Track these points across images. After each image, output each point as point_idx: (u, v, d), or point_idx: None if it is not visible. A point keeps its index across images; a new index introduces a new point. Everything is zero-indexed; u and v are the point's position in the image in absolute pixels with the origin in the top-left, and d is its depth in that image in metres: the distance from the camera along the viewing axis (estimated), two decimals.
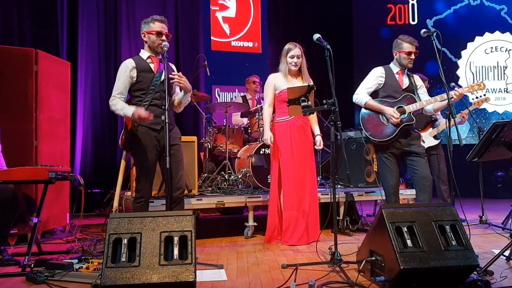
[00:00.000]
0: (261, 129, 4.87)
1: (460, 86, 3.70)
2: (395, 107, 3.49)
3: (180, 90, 3.24)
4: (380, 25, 8.58)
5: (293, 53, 3.73)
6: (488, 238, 3.90)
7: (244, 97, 5.98)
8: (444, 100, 3.40)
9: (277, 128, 3.80)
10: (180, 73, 3.11)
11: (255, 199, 4.12)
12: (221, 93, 7.65)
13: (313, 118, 3.90)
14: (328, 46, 3.02)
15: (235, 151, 5.08)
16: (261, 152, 4.68)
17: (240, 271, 2.87)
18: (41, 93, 4.17)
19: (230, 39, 7.91)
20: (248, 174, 4.61)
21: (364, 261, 2.52)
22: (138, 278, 2.11)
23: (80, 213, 3.62)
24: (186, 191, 3.84)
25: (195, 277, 2.15)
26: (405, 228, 2.34)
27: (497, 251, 2.95)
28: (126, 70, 3.09)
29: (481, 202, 4.76)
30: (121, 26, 7.00)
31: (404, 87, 3.57)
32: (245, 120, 5.78)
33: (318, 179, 5.08)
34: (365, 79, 3.67)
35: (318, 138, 3.83)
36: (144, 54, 3.20)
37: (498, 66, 8.48)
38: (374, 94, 3.62)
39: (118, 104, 3.05)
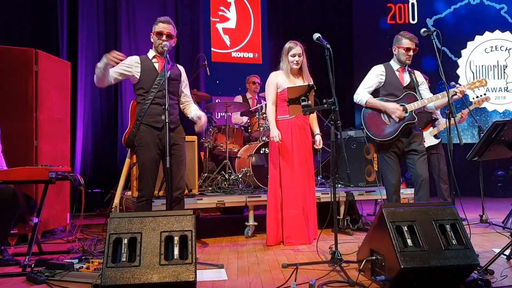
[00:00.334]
0: (261, 128, 4.86)
1: (460, 85, 3.69)
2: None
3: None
4: (380, 24, 8.58)
5: (294, 51, 3.71)
6: (489, 237, 3.90)
7: (244, 97, 5.98)
8: (446, 97, 3.38)
9: (279, 126, 3.78)
10: (203, 121, 3.22)
11: (256, 198, 4.12)
12: (221, 114, 7.65)
13: (313, 117, 3.90)
14: (328, 46, 3.02)
15: (235, 150, 5.08)
16: (261, 152, 4.67)
17: (241, 270, 2.87)
18: (41, 93, 4.18)
19: (230, 50, 7.94)
20: (248, 174, 4.61)
21: (365, 260, 2.52)
22: (139, 278, 2.11)
23: (80, 213, 3.62)
24: (186, 191, 3.85)
25: (196, 276, 2.15)
26: (405, 227, 2.34)
27: (497, 250, 2.96)
28: (131, 62, 3.18)
29: (481, 201, 4.76)
30: (121, 26, 6.99)
31: (405, 85, 3.55)
32: (244, 119, 5.78)
33: (319, 178, 5.08)
34: (365, 78, 3.66)
35: (318, 138, 3.82)
36: (151, 53, 3.26)
37: (498, 65, 8.48)
38: (375, 93, 3.60)
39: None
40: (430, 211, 2.43)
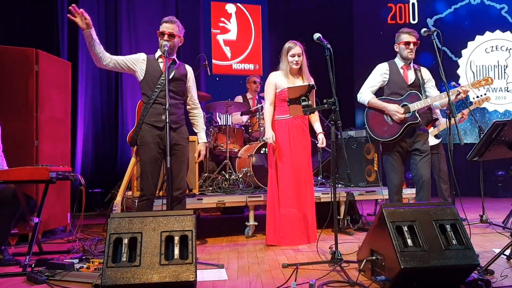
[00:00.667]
0: (262, 128, 4.86)
1: (460, 85, 3.68)
2: (400, 105, 3.46)
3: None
4: (380, 24, 8.58)
5: (294, 51, 3.70)
6: (489, 237, 3.90)
7: (244, 97, 5.99)
8: (452, 95, 3.36)
9: (276, 126, 3.78)
10: (202, 157, 3.42)
11: (256, 198, 4.12)
12: (222, 115, 7.64)
13: (315, 117, 3.88)
14: (329, 46, 3.03)
15: (235, 150, 5.08)
16: (261, 152, 4.67)
17: (241, 270, 2.88)
18: (41, 93, 4.18)
19: (231, 62, 7.96)
20: (248, 174, 4.61)
21: (365, 260, 2.52)
22: (139, 278, 2.11)
23: (81, 213, 3.62)
24: (187, 191, 3.85)
25: (196, 276, 2.15)
26: (405, 227, 2.34)
27: (497, 250, 2.95)
28: (137, 57, 3.22)
29: (481, 201, 4.76)
30: (122, 26, 6.99)
31: (409, 83, 3.52)
32: (244, 119, 5.78)
33: (319, 178, 5.08)
34: (369, 77, 3.64)
35: (321, 136, 3.77)
36: (157, 53, 3.28)
37: (498, 65, 8.47)
38: (379, 92, 3.59)
39: None
40: (430, 211, 2.43)
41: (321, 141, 3.77)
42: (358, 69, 8.30)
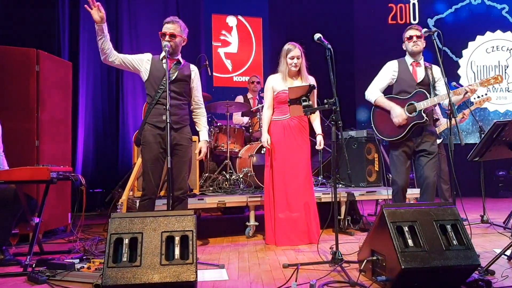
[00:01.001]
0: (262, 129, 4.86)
1: (461, 85, 3.67)
2: (406, 105, 3.43)
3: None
4: (381, 24, 8.57)
5: (293, 53, 3.70)
6: (490, 238, 3.89)
7: (245, 97, 5.99)
8: (459, 95, 3.35)
9: (271, 127, 3.79)
10: (203, 155, 3.43)
11: (257, 198, 4.12)
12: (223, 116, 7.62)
13: (316, 117, 3.88)
14: (329, 46, 3.03)
15: (236, 150, 5.08)
16: (262, 152, 4.67)
17: (242, 270, 2.88)
18: (42, 93, 4.18)
19: (232, 75, 7.96)
20: (249, 174, 4.61)
21: (365, 260, 2.52)
22: (139, 278, 2.12)
23: (81, 213, 3.63)
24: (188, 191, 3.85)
25: (196, 276, 2.15)
26: (406, 227, 2.34)
27: (498, 251, 2.95)
28: (143, 57, 3.24)
29: (482, 202, 4.76)
30: (123, 26, 6.99)
31: (418, 81, 3.48)
32: (245, 119, 5.79)
33: (319, 178, 5.08)
34: (378, 75, 3.64)
35: (319, 138, 3.78)
36: (162, 54, 3.28)
37: (499, 65, 8.46)
38: (388, 89, 3.58)
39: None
40: (431, 211, 2.43)
41: (319, 143, 3.76)
42: (359, 69, 8.30)
